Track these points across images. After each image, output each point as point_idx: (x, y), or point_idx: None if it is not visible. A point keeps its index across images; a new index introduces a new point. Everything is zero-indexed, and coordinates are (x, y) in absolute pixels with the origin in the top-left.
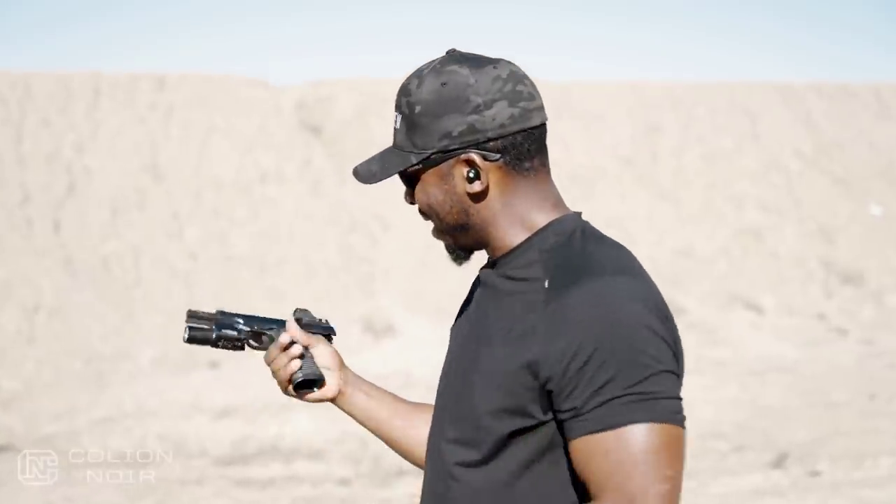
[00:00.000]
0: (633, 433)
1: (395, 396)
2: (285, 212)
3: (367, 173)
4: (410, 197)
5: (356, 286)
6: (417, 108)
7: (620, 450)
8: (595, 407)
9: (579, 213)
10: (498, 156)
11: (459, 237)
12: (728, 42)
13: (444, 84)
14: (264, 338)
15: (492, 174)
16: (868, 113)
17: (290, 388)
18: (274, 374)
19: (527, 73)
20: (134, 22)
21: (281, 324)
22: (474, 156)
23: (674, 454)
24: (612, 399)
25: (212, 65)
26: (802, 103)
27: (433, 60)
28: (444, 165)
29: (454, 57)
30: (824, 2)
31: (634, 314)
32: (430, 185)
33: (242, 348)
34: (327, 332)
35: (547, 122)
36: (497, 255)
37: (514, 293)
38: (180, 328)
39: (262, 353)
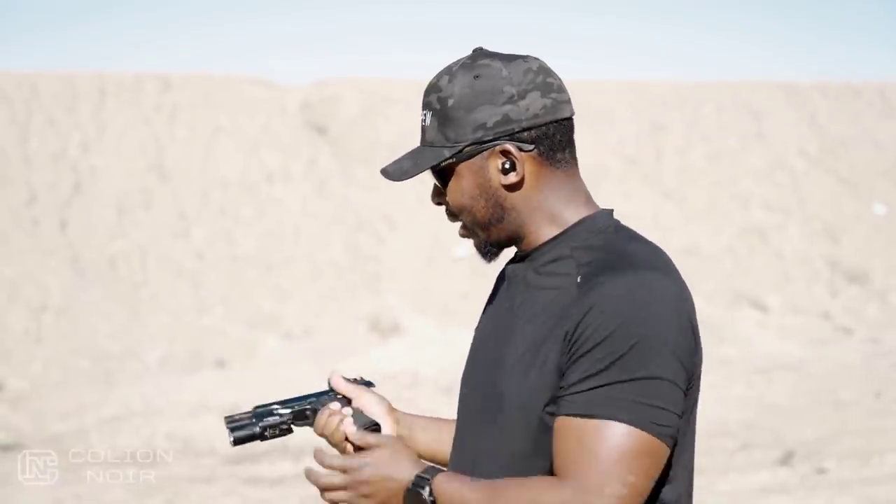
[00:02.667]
0: (609, 429)
1: (443, 421)
2: (291, 211)
3: (398, 171)
4: (439, 197)
5: (362, 285)
6: (450, 102)
7: (591, 441)
8: (582, 391)
9: (611, 211)
10: (532, 146)
11: (493, 232)
12: (733, 41)
13: (476, 77)
14: (307, 412)
15: (527, 165)
16: (873, 112)
17: (349, 447)
18: (329, 439)
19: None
20: (138, 22)
21: (318, 395)
22: (509, 146)
23: (643, 463)
24: (599, 388)
25: (216, 65)
26: (807, 102)
27: (461, 58)
28: (478, 158)
29: (483, 53)
30: (829, 1)
31: (656, 315)
32: (463, 179)
33: (290, 430)
34: (366, 384)
35: (574, 117)
36: (528, 249)
37: (545, 288)
38: (187, 328)
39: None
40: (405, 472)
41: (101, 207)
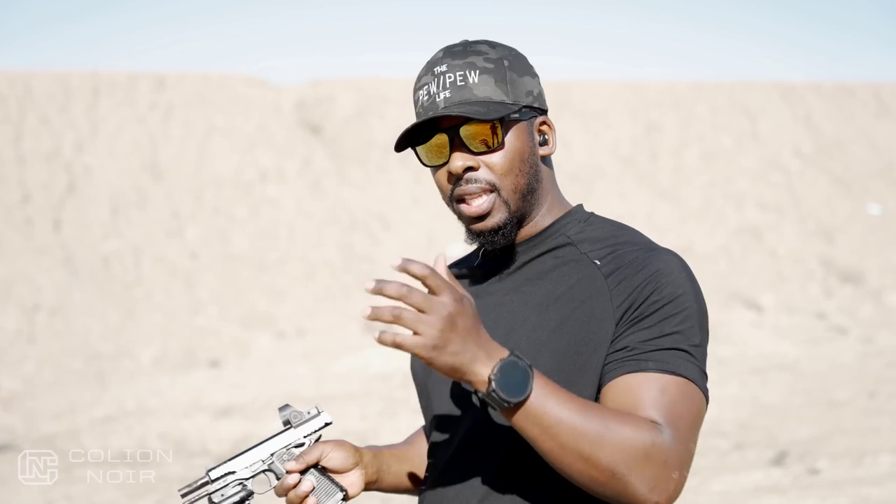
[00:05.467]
0: (693, 391)
1: (406, 449)
2: (285, 211)
3: (473, 112)
4: (468, 160)
5: (356, 285)
6: (506, 63)
7: (680, 398)
8: (658, 350)
9: (581, 205)
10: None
11: (525, 203)
12: (728, 41)
13: (512, 49)
14: (268, 474)
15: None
16: (867, 112)
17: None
18: None
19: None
20: (133, 21)
21: (274, 442)
22: (547, 118)
23: (700, 427)
24: (675, 349)
25: (211, 64)
26: (802, 103)
27: (463, 41)
28: (527, 123)
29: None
30: (824, 1)
31: (696, 287)
32: (517, 139)
33: (252, 496)
34: (322, 425)
35: None
36: (520, 239)
37: (552, 275)
38: (181, 327)
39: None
40: (491, 342)
41: (95, 207)
